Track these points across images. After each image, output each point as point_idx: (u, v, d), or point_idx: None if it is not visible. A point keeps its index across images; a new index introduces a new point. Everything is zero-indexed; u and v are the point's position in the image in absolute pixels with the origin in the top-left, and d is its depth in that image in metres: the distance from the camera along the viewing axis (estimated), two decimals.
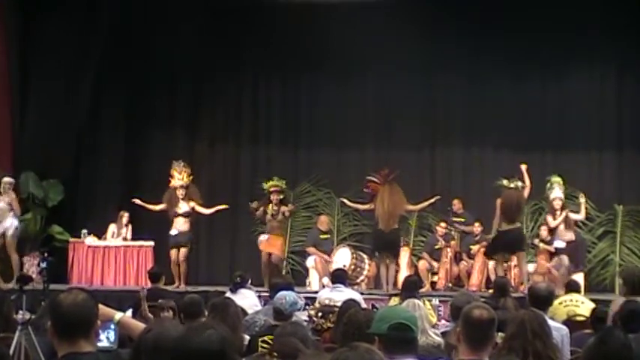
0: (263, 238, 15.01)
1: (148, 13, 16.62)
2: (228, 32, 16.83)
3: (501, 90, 17.01)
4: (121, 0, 16.16)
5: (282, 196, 15.12)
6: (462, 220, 15.90)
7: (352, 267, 15.07)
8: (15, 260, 14.56)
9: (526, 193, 14.41)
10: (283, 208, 15.04)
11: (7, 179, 14.69)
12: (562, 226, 14.72)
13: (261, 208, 15.03)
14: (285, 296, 7.44)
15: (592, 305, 9.22)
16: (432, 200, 15.39)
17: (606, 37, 16.32)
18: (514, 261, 15.03)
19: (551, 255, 15.05)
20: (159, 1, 16.41)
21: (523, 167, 14.45)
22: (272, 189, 14.99)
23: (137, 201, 15.32)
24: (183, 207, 15.08)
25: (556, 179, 14.82)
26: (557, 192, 14.68)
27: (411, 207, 15.36)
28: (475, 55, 16.77)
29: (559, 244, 14.76)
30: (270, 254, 14.90)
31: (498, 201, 14.29)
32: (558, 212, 14.69)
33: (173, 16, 16.70)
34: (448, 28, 16.38)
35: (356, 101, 17.27)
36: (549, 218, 14.80)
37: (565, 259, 14.59)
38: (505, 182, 14.41)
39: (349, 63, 16.90)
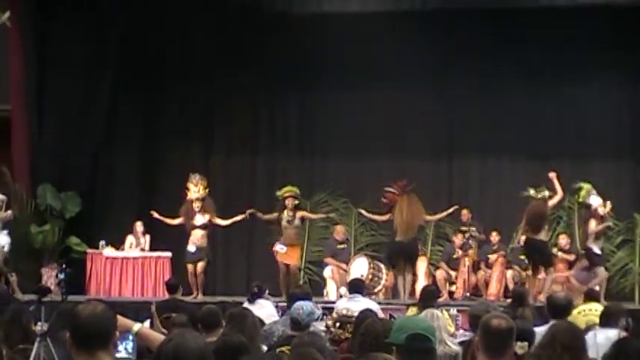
0: (280, 249, 14.87)
1: (164, 26, 16.70)
2: (244, 44, 16.87)
3: (517, 99, 16.98)
4: (136, 12, 16.21)
5: (297, 202, 14.97)
6: (473, 228, 15.83)
7: (370, 276, 15.02)
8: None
9: (555, 201, 14.23)
10: (299, 214, 14.98)
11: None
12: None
13: (276, 215, 14.95)
14: (303, 306, 7.43)
15: None
16: (451, 210, 15.35)
17: (621, 46, 16.30)
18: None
19: (570, 264, 14.99)
20: (174, 14, 16.45)
21: (552, 175, 14.23)
22: (287, 194, 14.90)
23: (155, 214, 15.30)
24: (199, 219, 15.05)
25: (587, 186, 14.61)
26: (596, 199, 14.42)
27: (429, 217, 15.34)
28: (490, 63, 16.77)
29: (598, 250, 14.52)
30: (287, 265, 14.86)
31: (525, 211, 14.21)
32: (601, 219, 14.43)
33: (189, 28, 16.79)
34: (463, 37, 16.39)
35: (371, 111, 17.23)
36: (592, 222, 14.41)
37: (602, 271, 14.39)
38: (532, 192, 14.22)
39: (364, 73, 16.89)
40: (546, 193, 14.15)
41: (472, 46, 16.51)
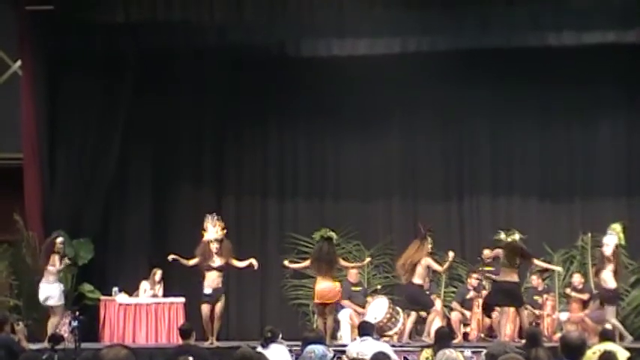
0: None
1: (175, 72, 16.84)
2: (253, 86, 17.00)
3: (528, 138, 17.02)
4: (146, 57, 16.31)
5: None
6: (492, 269, 15.74)
7: (388, 316, 14.92)
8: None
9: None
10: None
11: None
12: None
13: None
14: (314, 350, 7.44)
15: (626, 354, 9.11)
16: (450, 259, 15.06)
17: (631, 84, 16.36)
18: (546, 310, 14.95)
19: (584, 303, 14.90)
20: (184, 57, 16.58)
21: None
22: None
23: (172, 256, 15.08)
24: (217, 261, 14.89)
25: (614, 226, 14.32)
26: (610, 238, 14.14)
27: (438, 267, 15.05)
28: (500, 103, 16.85)
29: None
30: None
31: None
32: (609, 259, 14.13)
33: (199, 75, 16.93)
34: (472, 78, 16.45)
35: (381, 152, 17.29)
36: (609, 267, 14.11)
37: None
38: (502, 236, 14.34)
39: (374, 114, 17.02)
40: (517, 236, 14.18)
41: (481, 87, 16.59)
